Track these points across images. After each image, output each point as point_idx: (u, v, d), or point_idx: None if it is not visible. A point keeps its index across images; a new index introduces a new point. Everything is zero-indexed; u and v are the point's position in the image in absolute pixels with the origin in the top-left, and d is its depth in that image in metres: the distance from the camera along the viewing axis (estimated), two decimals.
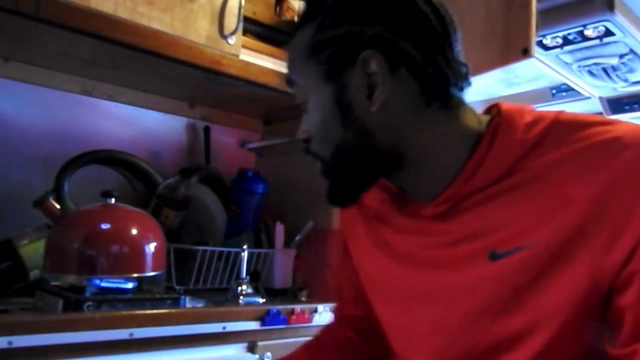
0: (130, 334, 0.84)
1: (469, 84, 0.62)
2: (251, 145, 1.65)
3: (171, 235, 1.23)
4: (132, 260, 0.98)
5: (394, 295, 0.68)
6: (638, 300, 0.49)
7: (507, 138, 0.57)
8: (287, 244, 1.41)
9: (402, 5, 0.57)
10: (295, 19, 1.27)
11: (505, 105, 0.61)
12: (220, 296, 1.20)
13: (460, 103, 0.61)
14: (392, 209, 0.68)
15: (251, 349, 1.00)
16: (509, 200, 0.57)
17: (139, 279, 1.04)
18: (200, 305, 1.11)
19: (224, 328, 0.96)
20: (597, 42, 1.06)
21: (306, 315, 1.07)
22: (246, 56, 1.10)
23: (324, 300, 1.29)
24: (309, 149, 0.65)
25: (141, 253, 0.99)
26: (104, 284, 0.98)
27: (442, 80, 0.59)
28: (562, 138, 0.55)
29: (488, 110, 0.64)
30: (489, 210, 0.58)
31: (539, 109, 0.60)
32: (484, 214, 0.59)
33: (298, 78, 0.64)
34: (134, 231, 1.00)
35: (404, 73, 0.58)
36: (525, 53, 0.97)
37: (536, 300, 0.54)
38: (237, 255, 1.23)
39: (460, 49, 0.61)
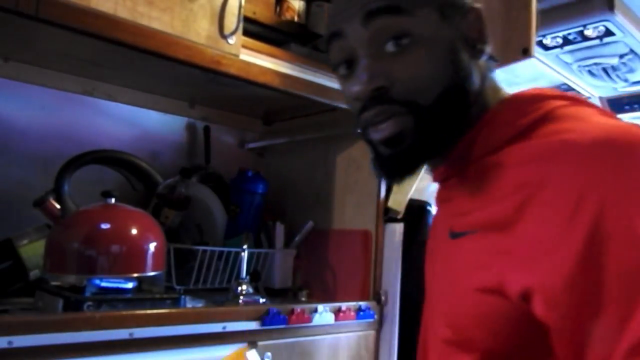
0: (130, 334, 0.84)
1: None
2: (251, 145, 1.65)
3: (171, 235, 1.23)
4: (132, 260, 0.98)
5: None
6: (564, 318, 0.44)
7: (501, 121, 0.57)
8: (287, 244, 1.41)
9: None
10: (296, 18, 1.27)
11: (522, 91, 0.61)
12: (220, 296, 1.20)
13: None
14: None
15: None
16: (475, 183, 0.56)
17: (139, 279, 1.04)
18: (200, 305, 1.11)
19: (224, 328, 0.95)
20: (597, 42, 1.06)
21: (306, 315, 1.07)
22: (246, 56, 1.10)
23: (324, 300, 1.29)
24: (385, 98, 0.56)
25: (141, 253, 0.99)
26: (104, 284, 0.98)
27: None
28: (541, 130, 0.53)
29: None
30: (463, 189, 0.58)
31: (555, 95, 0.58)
32: (459, 192, 0.59)
33: (410, 6, 0.56)
34: (134, 231, 1.00)
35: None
36: (525, 53, 0.98)
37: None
38: (237, 255, 1.22)
39: None
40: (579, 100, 0.57)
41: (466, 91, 0.58)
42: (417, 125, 0.56)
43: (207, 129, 1.55)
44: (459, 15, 0.58)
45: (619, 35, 1.03)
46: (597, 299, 0.41)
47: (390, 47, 0.56)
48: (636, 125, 0.50)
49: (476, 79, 0.59)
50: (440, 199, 0.67)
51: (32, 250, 1.08)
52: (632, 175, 0.44)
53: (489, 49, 0.60)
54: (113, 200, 1.03)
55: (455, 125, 0.58)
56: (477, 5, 0.59)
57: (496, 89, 0.63)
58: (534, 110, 0.55)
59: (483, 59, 0.60)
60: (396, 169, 0.59)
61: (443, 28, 0.56)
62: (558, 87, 1.39)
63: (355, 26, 0.57)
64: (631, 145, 0.45)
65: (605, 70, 1.18)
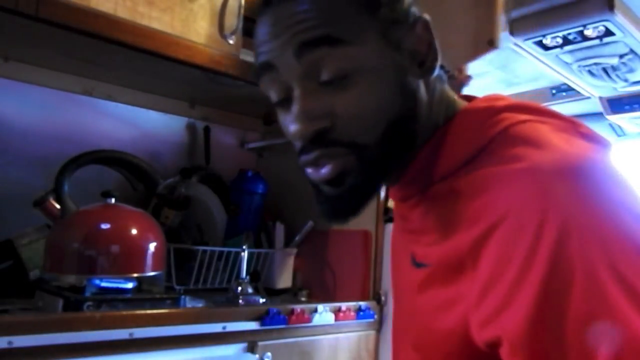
0: (130, 334, 0.84)
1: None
2: (251, 145, 1.65)
3: (171, 235, 1.23)
4: (132, 260, 0.98)
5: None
6: None
7: (449, 143, 0.52)
8: (287, 244, 1.41)
9: None
10: None
11: (474, 102, 0.56)
12: (220, 296, 1.20)
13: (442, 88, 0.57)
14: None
15: (251, 349, 0.99)
16: (430, 209, 0.52)
17: (139, 279, 1.04)
18: (200, 305, 1.11)
19: (224, 328, 0.95)
20: (597, 42, 1.06)
21: (306, 315, 1.07)
22: (246, 56, 1.10)
23: (324, 300, 1.29)
24: (326, 141, 0.50)
25: (141, 253, 0.99)
26: (104, 284, 0.98)
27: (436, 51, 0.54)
28: (494, 153, 0.48)
29: (466, 98, 0.59)
30: (419, 213, 0.54)
31: (510, 103, 0.53)
32: (416, 216, 0.55)
33: (348, 32, 0.49)
34: (134, 231, 1.00)
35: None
36: (491, 44, 1.01)
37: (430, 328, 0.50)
38: (237, 255, 1.22)
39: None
40: (532, 110, 0.52)
41: (414, 117, 0.53)
42: (360, 165, 0.51)
43: (207, 129, 1.55)
44: (404, 31, 0.51)
45: (619, 35, 1.03)
46: (558, 347, 0.38)
47: (329, 81, 0.50)
48: (590, 147, 0.47)
49: (425, 99, 0.54)
50: (398, 214, 0.64)
51: (32, 250, 1.08)
52: (592, 204, 0.41)
53: (437, 63, 0.54)
54: (113, 200, 1.03)
55: (402, 158, 0.54)
56: (424, 15, 0.52)
57: (447, 101, 0.57)
58: (488, 126, 0.50)
59: (434, 75, 0.54)
60: (340, 209, 0.54)
61: (388, 52, 0.50)
62: (558, 87, 1.39)
63: (288, 59, 0.50)
64: (589, 172, 0.43)
65: (605, 70, 1.18)
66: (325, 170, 0.52)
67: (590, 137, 0.50)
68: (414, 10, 0.53)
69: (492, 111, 0.52)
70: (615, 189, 0.43)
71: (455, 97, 0.58)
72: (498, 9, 1.05)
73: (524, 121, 0.49)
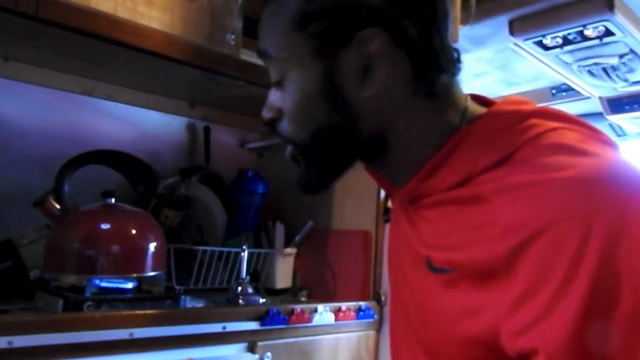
0: (130, 334, 0.84)
1: (460, 69, 0.56)
2: (251, 145, 1.65)
3: (171, 235, 1.22)
4: (132, 260, 0.98)
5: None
6: None
7: (472, 146, 0.51)
8: (287, 244, 1.41)
9: None
10: None
11: (499, 105, 0.55)
12: (220, 296, 1.20)
13: (448, 91, 0.56)
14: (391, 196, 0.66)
15: (251, 349, 0.99)
16: (452, 212, 0.51)
17: (139, 279, 1.03)
18: (200, 305, 1.11)
19: (224, 328, 0.95)
20: (597, 42, 1.06)
21: (306, 315, 1.07)
22: (246, 56, 1.10)
23: (324, 300, 1.29)
24: (276, 130, 0.60)
25: (141, 253, 0.99)
26: (104, 284, 0.98)
27: (434, 65, 0.54)
28: (528, 161, 0.47)
29: (485, 103, 0.58)
30: (436, 216, 0.54)
31: (540, 111, 0.52)
32: (433, 218, 0.54)
33: (276, 51, 0.57)
34: (134, 231, 1.00)
35: (402, 55, 0.53)
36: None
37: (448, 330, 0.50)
38: (237, 255, 1.22)
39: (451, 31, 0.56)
40: (560, 117, 0.52)
41: (350, 127, 0.55)
42: (301, 157, 0.60)
43: (207, 129, 1.55)
44: (344, 47, 0.53)
45: (618, 35, 1.03)
46: (602, 353, 0.38)
47: (276, 82, 0.59)
48: (623, 155, 0.46)
49: (382, 111, 0.55)
50: (403, 216, 0.62)
51: (32, 250, 1.08)
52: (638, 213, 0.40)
53: (388, 78, 0.54)
54: (113, 200, 1.03)
55: (345, 160, 0.59)
56: (369, 30, 0.51)
57: (459, 105, 0.56)
58: (517, 132, 0.49)
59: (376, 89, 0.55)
60: (301, 185, 0.62)
61: (315, 66, 0.54)
62: (558, 87, 1.39)
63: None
64: (630, 179, 0.43)
65: (605, 70, 1.18)
66: (286, 151, 0.61)
67: (611, 145, 0.50)
68: (368, 30, 0.52)
69: (520, 116, 0.51)
70: None
71: (468, 98, 0.58)
72: (457, 7, 1.07)
73: (555, 128, 0.49)
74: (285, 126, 0.58)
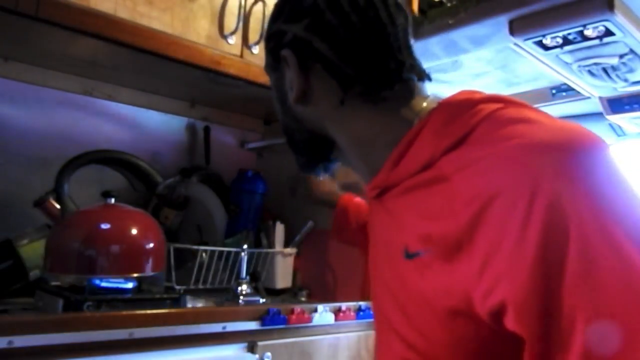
0: (130, 334, 0.84)
1: (422, 76, 0.62)
2: (251, 145, 1.65)
3: (171, 235, 1.23)
4: (132, 260, 0.98)
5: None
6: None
7: (430, 133, 0.55)
8: (287, 244, 1.41)
9: (324, 6, 0.61)
10: None
11: (451, 96, 0.59)
12: (220, 296, 1.20)
13: (398, 94, 0.61)
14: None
15: (251, 349, 0.99)
16: (420, 196, 0.54)
17: (139, 279, 1.04)
18: (200, 305, 1.11)
19: (224, 328, 0.95)
20: (597, 42, 1.06)
21: (306, 315, 1.07)
22: (246, 56, 1.10)
23: (324, 300, 1.29)
24: None
25: (141, 253, 0.99)
26: (104, 284, 0.98)
27: (364, 79, 0.61)
28: (483, 138, 0.50)
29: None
30: (407, 203, 0.57)
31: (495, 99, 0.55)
32: (404, 206, 0.57)
33: (269, 64, 0.70)
34: (134, 231, 1.00)
35: (320, 71, 0.62)
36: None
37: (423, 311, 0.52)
38: (237, 255, 1.23)
39: (408, 43, 0.63)
40: (512, 102, 0.55)
41: (302, 130, 0.68)
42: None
43: (207, 129, 1.55)
44: (283, 66, 0.65)
45: (619, 35, 1.03)
46: (554, 305, 0.40)
47: None
48: (579, 125, 0.48)
49: (314, 116, 0.65)
50: (383, 214, 0.64)
51: (32, 250, 1.08)
52: (588, 175, 0.43)
53: (301, 95, 0.64)
54: (113, 200, 1.03)
55: (310, 150, 0.70)
56: (284, 51, 0.64)
57: (415, 104, 0.61)
58: (469, 115, 0.53)
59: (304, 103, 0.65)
60: (298, 164, 0.73)
61: (276, 81, 0.69)
62: (558, 87, 1.39)
63: None
64: (585, 146, 0.45)
65: (605, 70, 1.18)
66: None
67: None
68: (284, 51, 0.64)
69: (472, 102, 0.55)
70: (605, 161, 0.45)
71: (421, 101, 0.62)
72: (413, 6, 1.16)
73: (504, 107, 0.53)
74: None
